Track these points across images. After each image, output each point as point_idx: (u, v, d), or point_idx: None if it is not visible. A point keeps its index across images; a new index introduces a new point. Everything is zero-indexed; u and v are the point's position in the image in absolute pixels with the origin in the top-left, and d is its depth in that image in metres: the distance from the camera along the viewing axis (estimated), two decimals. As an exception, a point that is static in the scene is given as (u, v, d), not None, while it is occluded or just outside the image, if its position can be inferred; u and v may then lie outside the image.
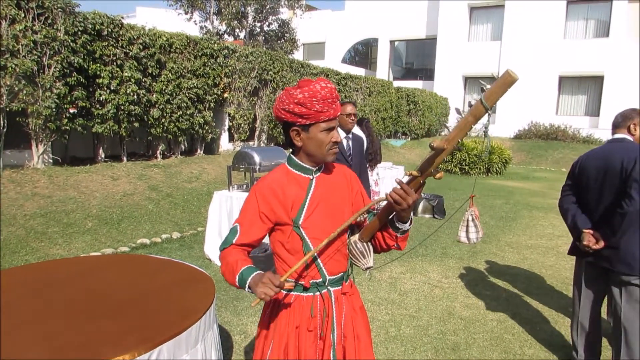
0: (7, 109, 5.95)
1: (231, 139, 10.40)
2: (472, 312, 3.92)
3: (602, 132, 18.16)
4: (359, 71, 21.80)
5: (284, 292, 1.65)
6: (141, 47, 7.46)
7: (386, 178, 7.05)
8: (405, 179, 1.48)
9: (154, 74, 7.76)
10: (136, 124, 7.61)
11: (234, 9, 18.45)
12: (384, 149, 12.57)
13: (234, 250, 1.60)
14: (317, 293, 1.64)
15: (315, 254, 1.61)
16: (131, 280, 2.33)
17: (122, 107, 7.24)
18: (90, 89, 6.92)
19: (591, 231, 2.70)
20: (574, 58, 19.43)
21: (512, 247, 5.99)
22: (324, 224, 1.60)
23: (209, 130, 9.19)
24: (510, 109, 20.38)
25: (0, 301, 1.99)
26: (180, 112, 8.30)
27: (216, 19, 19.41)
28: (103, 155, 7.64)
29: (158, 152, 8.52)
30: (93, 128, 7.04)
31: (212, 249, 5.04)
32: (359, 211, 1.65)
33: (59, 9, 6.23)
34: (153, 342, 1.66)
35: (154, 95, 7.80)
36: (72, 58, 6.39)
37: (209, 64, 8.84)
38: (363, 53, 29.11)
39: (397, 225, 1.58)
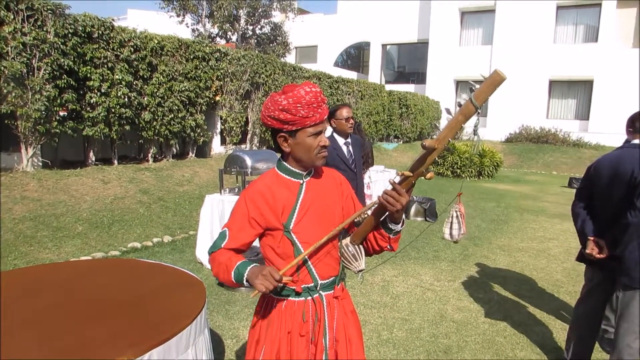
0: (-4, 112, 5.89)
1: (223, 142, 10.37)
2: (464, 315, 3.93)
3: (592, 135, 18.38)
4: (351, 75, 21.85)
5: (276, 297, 1.64)
6: (132, 49, 7.41)
7: (378, 181, 7.06)
8: (397, 180, 1.48)
9: (145, 76, 7.72)
10: (127, 127, 7.56)
11: (226, 11, 18.44)
12: (376, 152, 12.60)
13: (224, 252, 1.59)
14: (309, 297, 1.63)
15: (307, 259, 1.60)
16: (122, 284, 2.31)
17: (113, 110, 7.19)
18: (81, 92, 6.86)
19: (595, 239, 2.68)
20: (564, 62, 19.65)
21: (503, 250, 6.02)
22: (315, 229, 1.60)
23: (201, 134, 9.16)
24: (502, 113, 20.55)
25: (0, 302, 1.96)
26: (172, 115, 8.26)
27: (208, 22, 19.38)
28: (94, 159, 7.58)
29: (149, 155, 8.47)
30: (83, 131, 6.98)
31: (203, 252, 5.01)
32: (354, 215, 1.65)
33: (49, 11, 6.18)
34: (143, 347, 1.64)
35: (145, 98, 7.76)
36: (62, 60, 6.34)
37: (201, 66, 8.82)
38: (355, 56, 29.20)
39: (390, 226, 1.58)
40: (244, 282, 1.48)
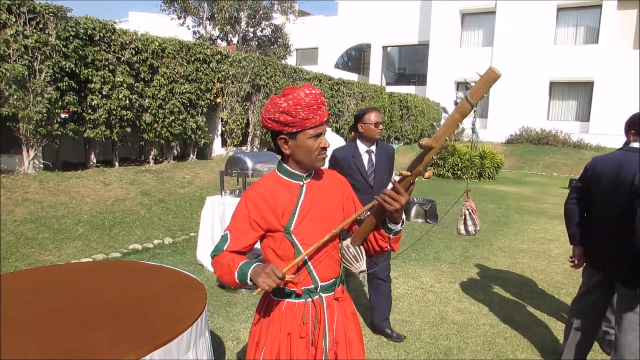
0: (-2, 114, 5.91)
1: (224, 144, 10.38)
2: (464, 317, 3.93)
3: (593, 136, 18.37)
4: (352, 76, 21.88)
5: (276, 299, 1.65)
6: (133, 52, 7.44)
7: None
8: (397, 179, 1.48)
9: (147, 79, 7.74)
10: (128, 129, 7.58)
11: (227, 14, 18.48)
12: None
13: (226, 254, 1.60)
14: (309, 299, 1.64)
15: (308, 260, 1.61)
16: (122, 286, 2.31)
17: (114, 112, 7.20)
18: (82, 94, 6.88)
19: (581, 251, 2.91)
20: (565, 64, 19.66)
21: (504, 251, 6.02)
22: (316, 230, 1.60)
23: (202, 135, 9.17)
24: (502, 114, 20.56)
25: (0, 304, 1.97)
26: (173, 117, 8.28)
27: (209, 24, 19.43)
28: (95, 161, 7.60)
29: (150, 157, 8.49)
30: (85, 133, 7.00)
31: (204, 254, 5.01)
32: (353, 215, 1.66)
33: (51, 14, 6.20)
34: (143, 349, 1.65)
35: (147, 100, 7.78)
36: (64, 63, 6.36)
37: (202, 69, 8.84)
38: (356, 58, 29.23)
39: (390, 226, 1.58)
40: (248, 281, 1.48)
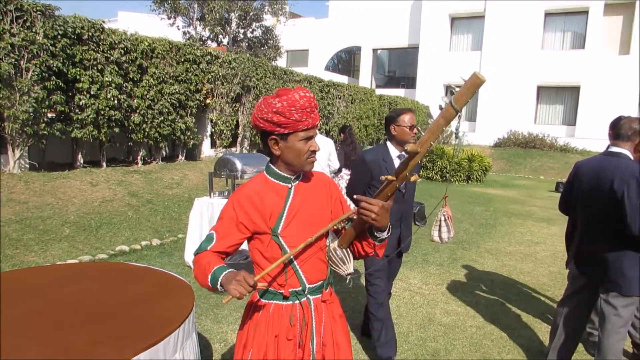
0: (-17, 113, 5.83)
1: (213, 145, 10.34)
2: (452, 319, 3.96)
3: (579, 140, 18.64)
4: (342, 79, 21.93)
5: (263, 302, 1.65)
6: (122, 51, 7.38)
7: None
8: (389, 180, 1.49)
9: (136, 79, 7.68)
10: (116, 129, 7.51)
11: (217, 14, 18.41)
12: (366, 156, 12.62)
13: (207, 254, 1.59)
14: (297, 302, 1.64)
15: (295, 263, 1.61)
16: (109, 288, 2.29)
17: (102, 112, 7.14)
18: (70, 94, 6.81)
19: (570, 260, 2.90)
20: (552, 68, 19.93)
21: (491, 253, 6.07)
22: (303, 233, 1.61)
23: (191, 136, 9.13)
24: (490, 118, 20.77)
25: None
26: (162, 118, 8.23)
27: (199, 25, 19.34)
28: (82, 161, 7.52)
29: (138, 157, 8.42)
30: (72, 133, 6.93)
31: (192, 256, 4.97)
32: (335, 220, 1.66)
33: (38, 12, 6.13)
34: (129, 352, 1.64)
35: (135, 101, 7.72)
36: (51, 62, 6.29)
37: (192, 69, 8.80)
38: (346, 61, 29.31)
39: (375, 234, 1.59)
40: (218, 287, 1.47)
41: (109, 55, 7.17)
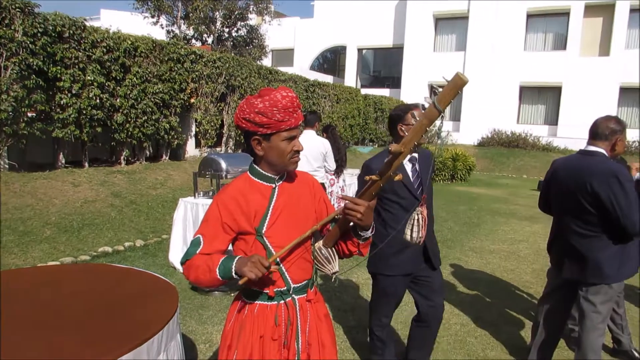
0: (-40, 112, 5.69)
1: (198, 145, 10.26)
2: (436, 317, 3.98)
3: (560, 140, 18.95)
4: (327, 78, 21.95)
5: (248, 301, 1.65)
6: (105, 50, 7.27)
7: (353, 184, 7.11)
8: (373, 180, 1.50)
9: (118, 78, 7.58)
10: (99, 129, 7.40)
11: (201, 13, 18.24)
12: (351, 156, 12.68)
13: (200, 256, 1.57)
14: (282, 301, 1.64)
15: (280, 263, 1.61)
16: (91, 290, 2.26)
17: (84, 112, 7.03)
18: (51, 92, 6.69)
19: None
20: (534, 69, 20.26)
21: (475, 252, 6.14)
22: (288, 233, 1.60)
23: (175, 136, 9.04)
24: (474, 117, 20.99)
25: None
26: (145, 117, 8.13)
27: (183, 24, 19.16)
28: (63, 161, 7.39)
29: (122, 157, 8.31)
30: (53, 133, 6.80)
31: (176, 256, 4.94)
32: (322, 221, 1.67)
33: (17, 9, 6.01)
34: (112, 353, 1.62)
35: (118, 100, 7.62)
36: (31, 60, 6.17)
37: (176, 68, 8.71)
38: (331, 60, 29.33)
39: (360, 232, 1.60)
40: (233, 274, 1.47)
41: (90, 53, 7.05)
